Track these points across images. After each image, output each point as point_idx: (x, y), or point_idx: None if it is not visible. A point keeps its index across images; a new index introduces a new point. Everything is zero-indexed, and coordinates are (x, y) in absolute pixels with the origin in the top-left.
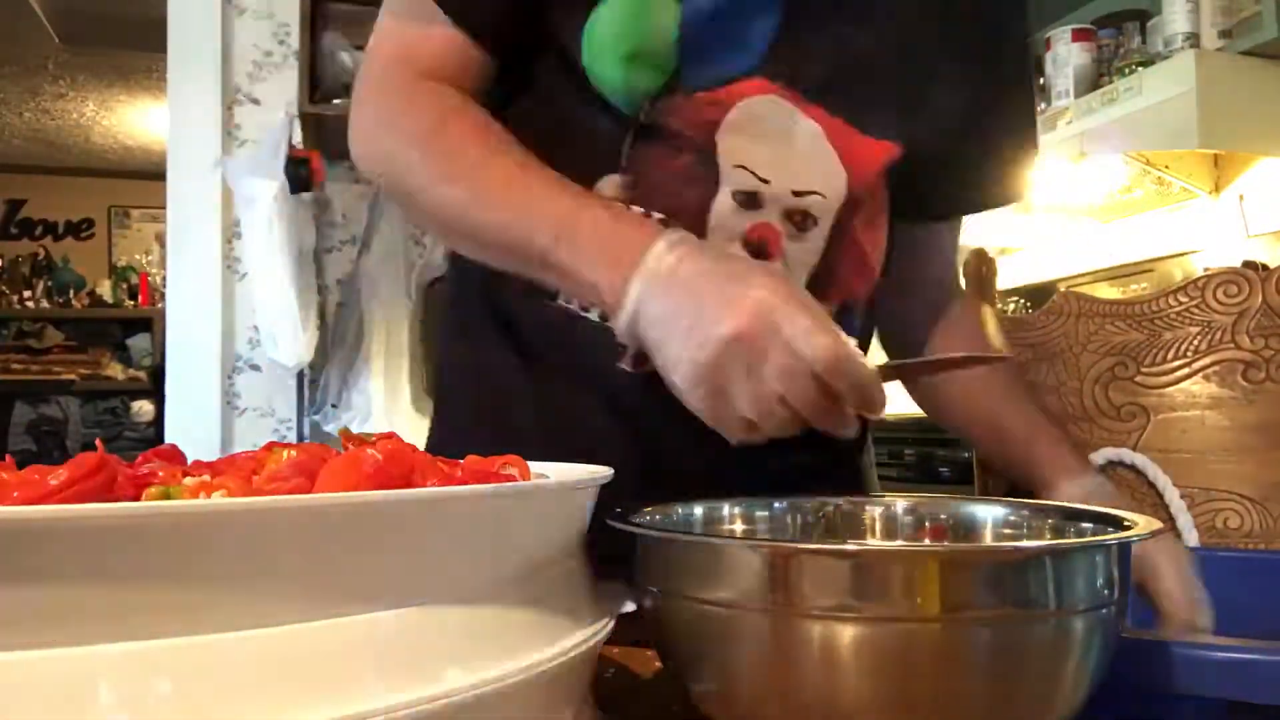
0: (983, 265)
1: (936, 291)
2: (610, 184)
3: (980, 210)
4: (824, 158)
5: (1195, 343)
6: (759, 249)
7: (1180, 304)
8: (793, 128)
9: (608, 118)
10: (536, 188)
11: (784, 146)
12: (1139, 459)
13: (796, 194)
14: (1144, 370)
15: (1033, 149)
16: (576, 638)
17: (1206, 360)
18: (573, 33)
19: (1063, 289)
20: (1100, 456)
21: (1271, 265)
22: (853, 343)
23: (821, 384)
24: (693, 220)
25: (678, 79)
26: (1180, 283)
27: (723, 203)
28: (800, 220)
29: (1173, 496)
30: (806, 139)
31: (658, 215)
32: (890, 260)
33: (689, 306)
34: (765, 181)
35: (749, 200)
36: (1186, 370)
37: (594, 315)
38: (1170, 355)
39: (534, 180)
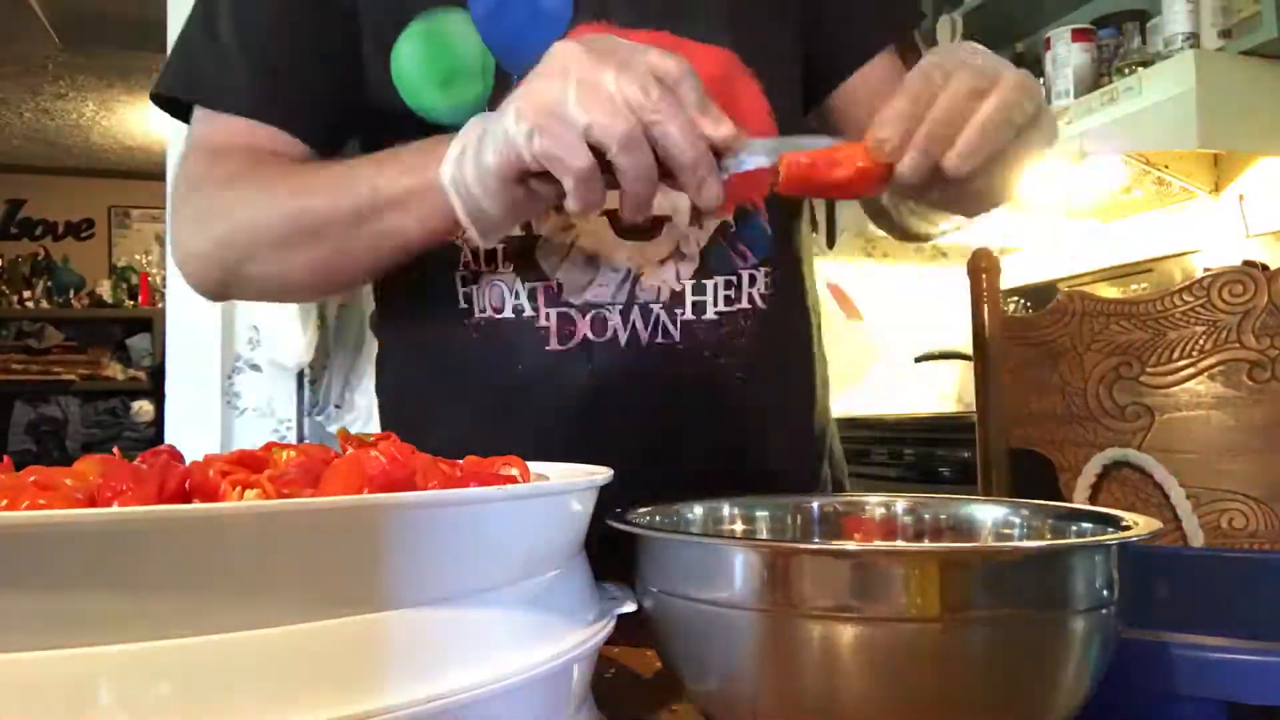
0: (985, 264)
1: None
2: None
3: (885, 37)
4: None
5: (1200, 342)
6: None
7: (1185, 303)
8: None
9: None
10: (350, 162)
11: None
12: (1144, 459)
13: None
14: (1149, 370)
15: None
16: (576, 638)
17: (1211, 360)
18: (385, 82)
19: (1063, 289)
20: (1106, 457)
21: (1272, 265)
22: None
23: (666, 91)
24: None
25: (505, 75)
26: (1185, 282)
27: None
28: None
29: (1178, 497)
30: None
31: None
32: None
33: (530, 78)
34: None
35: None
36: (1191, 370)
37: (509, 312)
38: (1175, 355)
39: (347, 160)
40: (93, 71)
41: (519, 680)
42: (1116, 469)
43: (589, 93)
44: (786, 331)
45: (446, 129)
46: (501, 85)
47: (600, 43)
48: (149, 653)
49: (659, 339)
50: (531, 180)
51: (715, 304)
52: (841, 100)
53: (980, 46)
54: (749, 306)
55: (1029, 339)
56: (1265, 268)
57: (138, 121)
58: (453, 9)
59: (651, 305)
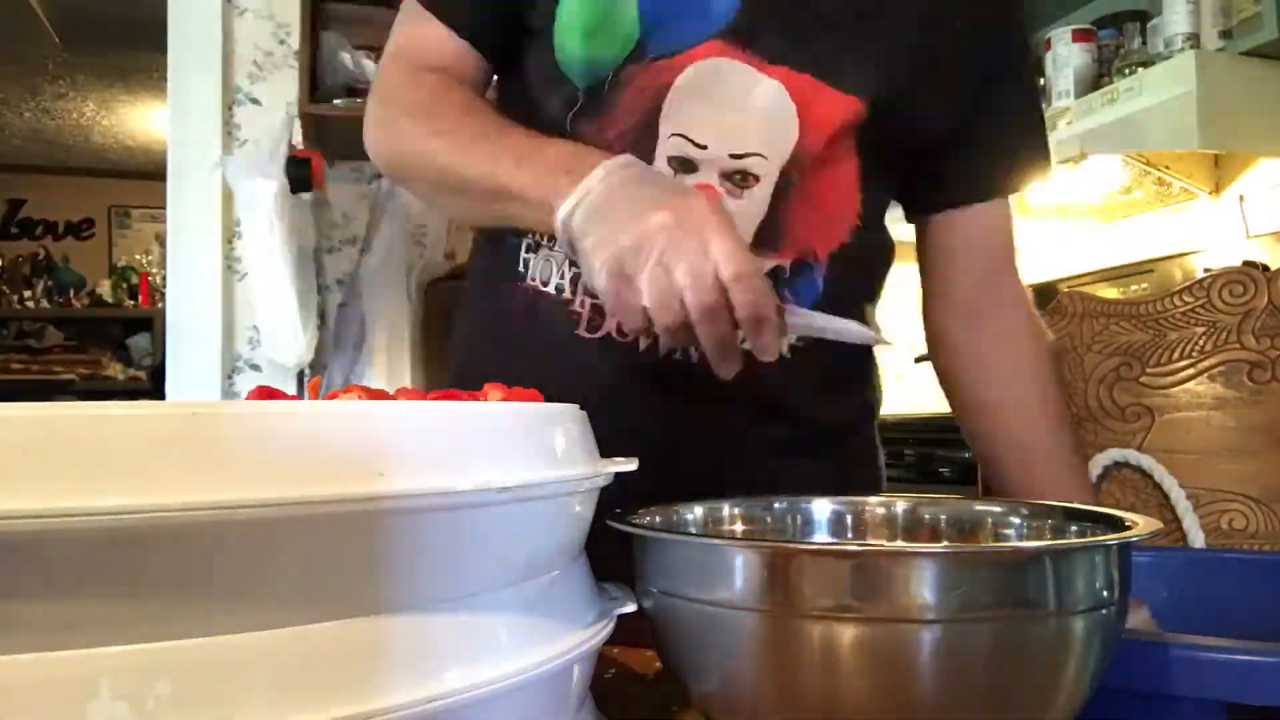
0: None
1: (963, 279)
2: None
3: (985, 196)
4: (779, 115)
5: (1200, 343)
6: None
7: (1185, 304)
8: (752, 88)
9: (559, 98)
10: (510, 134)
11: (734, 107)
12: (1144, 460)
13: (734, 156)
14: (1149, 370)
15: (1038, 142)
16: (576, 638)
17: (1212, 360)
18: (545, 17)
19: (1063, 289)
20: (1106, 458)
21: (1272, 265)
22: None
23: (723, 298)
24: None
25: (642, 49)
26: (1185, 283)
27: (659, 167)
28: (739, 179)
29: (1178, 497)
30: (766, 97)
31: None
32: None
33: (622, 203)
34: (701, 147)
35: (684, 165)
36: (1192, 370)
37: (551, 288)
38: (1175, 355)
39: (507, 130)
40: (93, 71)
41: (519, 681)
42: (1117, 469)
43: (656, 279)
44: (815, 389)
45: (565, 80)
46: (636, 56)
47: (692, 221)
48: (149, 654)
49: (677, 354)
50: None
51: (743, 340)
52: (943, 225)
53: None
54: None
55: None
56: (1265, 268)
57: (138, 121)
58: None
59: None
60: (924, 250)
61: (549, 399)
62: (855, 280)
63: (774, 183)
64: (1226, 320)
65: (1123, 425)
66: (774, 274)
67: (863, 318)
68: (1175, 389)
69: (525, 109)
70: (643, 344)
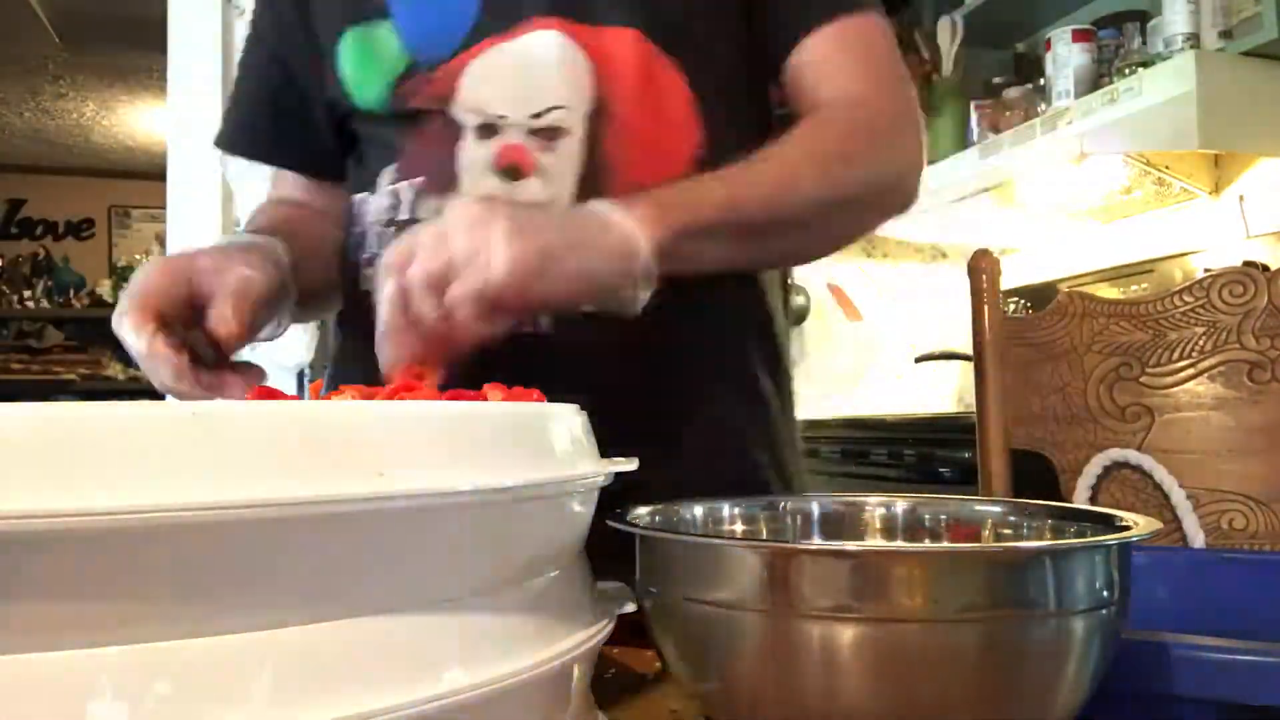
0: (985, 264)
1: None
2: (387, 174)
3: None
4: (569, 64)
5: (1200, 343)
6: (511, 170)
7: (1185, 304)
8: (530, 48)
9: (380, 127)
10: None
11: (523, 72)
12: (1144, 460)
13: (535, 116)
14: (1149, 371)
15: None
16: (576, 638)
17: (1212, 361)
18: (336, 94)
19: (1063, 289)
20: (1105, 458)
21: (1272, 266)
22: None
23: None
24: (445, 168)
25: (415, 67)
26: (1185, 283)
27: (467, 143)
28: (547, 134)
29: (1178, 498)
30: (547, 50)
31: (419, 179)
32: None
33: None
34: (501, 117)
35: (487, 131)
36: (1192, 371)
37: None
38: (1175, 355)
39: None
40: (93, 71)
41: (519, 681)
42: (1117, 470)
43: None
44: (674, 344)
45: (378, 116)
46: (410, 73)
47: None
48: (149, 654)
49: (525, 326)
50: None
51: None
52: (791, 77)
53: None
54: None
55: (1029, 339)
56: (1265, 268)
57: (138, 121)
58: (378, 20)
59: None
60: (794, 100)
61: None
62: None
63: (583, 129)
64: (1226, 320)
65: (1123, 425)
66: None
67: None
68: (1175, 389)
69: (359, 159)
70: None
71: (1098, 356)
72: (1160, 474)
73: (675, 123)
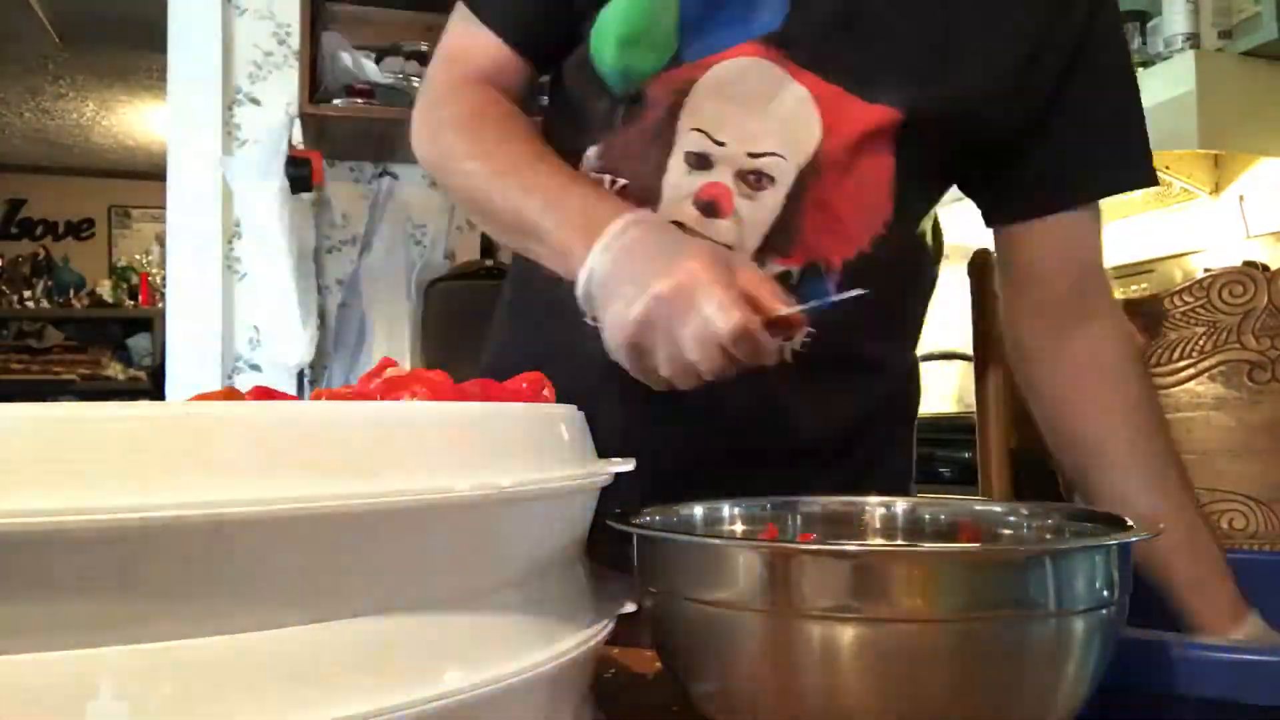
0: (985, 264)
1: (1048, 289)
2: (591, 154)
3: (1096, 194)
4: (802, 121)
5: (1201, 343)
6: (709, 207)
7: (1186, 304)
8: (778, 92)
9: (606, 99)
10: (540, 168)
11: (756, 110)
12: None
13: (752, 155)
14: (1149, 370)
15: (1139, 128)
16: (576, 638)
17: (1212, 360)
18: (588, 24)
19: None
20: None
21: (1272, 265)
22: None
23: (730, 357)
24: (649, 181)
25: (678, 58)
26: (1185, 282)
27: (675, 165)
28: (754, 180)
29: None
30: (791, 103)
31: (621, 181)
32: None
33: (629, 270)
34: (720, 144)
35: (700, 161)
36: (1192, 370)
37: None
38: (1176, 355)
39: (540, 163)
40: (93, 71)
41: (519, 681)
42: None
43: (673, 360)
44: (813, 398)
45: (607, 89)
46: (672, 64)
47: (688, 290)
48: (150, 654)
49: None
50: None
51: None
52: (1024, 234)
53: None
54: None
55: None
56: (1265, 268)
57: (138, 121)
58: None
59: None
60: (1004, 259)
61: (557, 384)
62: (874, 288)
63: (790, 185)
64: (1227, 320)
65: None
66: (782, 279)
67: (879, 329)
68: (1176, 389)
69: (569, 115)
70: None
71: None
72: None
73: (869, 196)
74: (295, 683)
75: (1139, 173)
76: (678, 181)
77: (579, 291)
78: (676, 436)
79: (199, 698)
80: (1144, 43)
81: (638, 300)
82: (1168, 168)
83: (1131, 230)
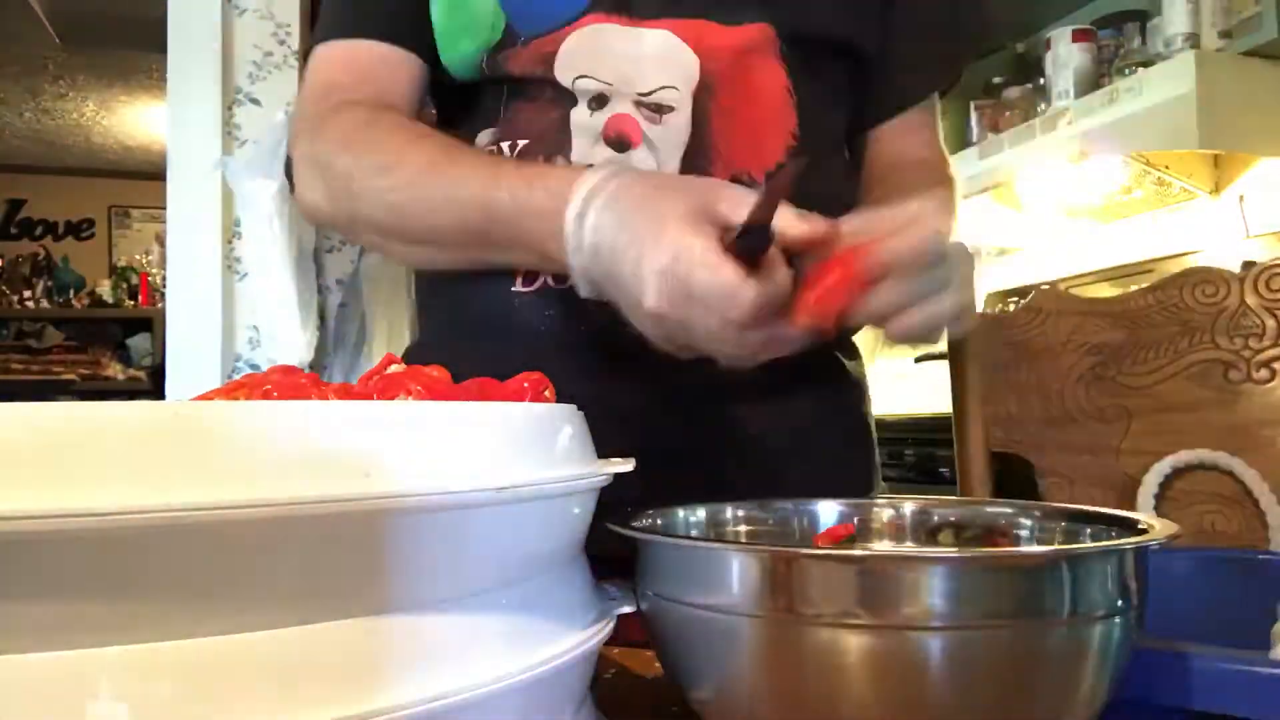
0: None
1: (897, 177)
2: (485, 136)
3: (909, 100)
4: (673, 54)
5: (1175, 343)
6: (619, 141)
7: (1158, 302)
8: (638, 40)
9: (482, 92)
10: (456, 168)
11: (627, 58)
12: (1220, 457)
13: (642, 94)
14: (1125, 370)
15: (949, 37)
16: (576, 638)
17: (1186, 360)
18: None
19: (1042, 287)
20: (1180, 460)
21: None
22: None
23: (746, 337)
24: (556, 138)
25: (512, 35)
26: (1158, 281)
27: (578, 113)
28: (654, 109)
29: (1262, 490)
30: (654, 45)
31: (522, 142)
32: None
33: (619, 244)
34: (608, 84)
35: (598, 101)
36: (1166, 371)
37: (520, 285)
38: (1150, 355)
39: (455, 157)
40: (93, 71)
41: (518, 681)
42: (1189, 471)
43: (702, 346)
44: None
45: (456, 81)
46: (507, 42)
47: (677, 270)
48: (149, 654)
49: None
50: None
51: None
52: (874, 139)
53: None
54: None
55: (1007, 338)
56: None
57: (138, 121)
58: None
59: None
60: (860, 166)
61: (488, 358)
62: (800, 204)
63: (689, 108)
64: (1199, 320)
65: (1101, 427)
66: None
67: None
68: (1152, 389)
69: (453, 115)
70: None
71: (1074, 355)
72: (1241, 469)
73: (769, 104)
74: (295, 683)
75: (950, 67)
76: (583, 121)
77: (575, 279)
78: (617, 387)
79: (199, 698)
80: (1144, 43)
81: (645, 287)
82: (1168, 167)
83: (1131, 230)
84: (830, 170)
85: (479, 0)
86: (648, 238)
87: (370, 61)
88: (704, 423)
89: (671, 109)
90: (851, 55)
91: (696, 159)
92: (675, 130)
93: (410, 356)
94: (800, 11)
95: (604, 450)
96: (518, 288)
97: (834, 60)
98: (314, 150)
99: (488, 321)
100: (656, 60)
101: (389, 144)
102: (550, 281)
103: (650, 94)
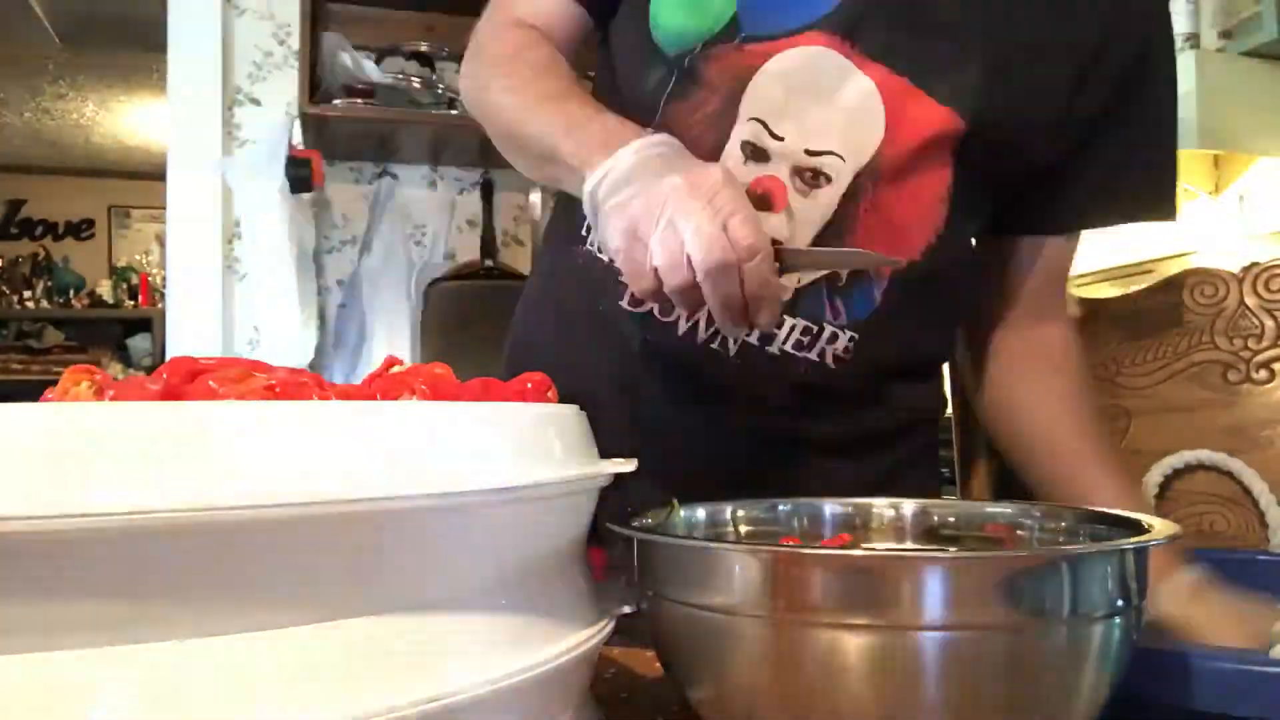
0: None
1: (1018, 292)
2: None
3: (1118, 222)
4: (866, 115)
5: (1175, 343)
6: (762, 200)
7: (1158, 303)
8: (841, 84)
9: (655, 73)
10: (568, 99)
11: (821, 101)
12: (1220, 458)
13: (810, 153)
14: (1124, 371)
15: (1169, 165)
16: (576, 638)
17: (1186, 361)
18: None
19: None
20: (1180, 460)
21: None
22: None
23: (730, 259)
24: (704, 157)
25: (735, 27)
26: (1158, 282)
27: (731, 153)
28: (810, 178)
29: (1262, 490)
30: (855, 96)
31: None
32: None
33: (644, 176)
34: (778, 138)
35: (756, 153)
36: (1167, 371)
37: (607, 256)
38: (1149, 356)
39: (568, 95)
40: (93, 71)
41: (519, 681)
42: (1190, 471)
43: (666, 241)
44: (859, 389)
45: (657, 52)
46: (727, 34)
47: (703, 188)
48: (149, 655)
49: (714, 345)
50: None
51: (784, 342)
52: (1013, 245)
53: None
54: (817, 360)
55: None
56: None
57: (138, 121)
58: None
59: None
60: (986, 260)
61: (584, 365)
62: (921, 300)
63: (846, 186)
64: (1199, 320)
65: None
66: (829, 283)
67: (923, 338)
68: (1151, 389)
69: (617, 86)
70: (679, 324)
71: None
72: (1240, 469)
73: (923, 204)
74: (295, 683)
75: (1161, 207)
76: (733, 170)
77: (586, 190)
78: (706, 418)
79: (199, 698)
80: None
81: (649, 189)
82: None
83: (1131, 230)
84: (951, 271)
85: None
86: (680, 168)
87: (546, 6)
88: (783, 466)
89: (828, 180)
90: (1028, 163)
91: (829, 240)
92: (821, 207)
93: (512, 358)
94: (1002, 107)
95: (683, 479)
96: (624, 303)
97: (1005, 163)
98: (470, 67)
99: (592, 319)
100: (845, 118)
101: (524, 73)
102: (656, 312)
103: (816, 155)
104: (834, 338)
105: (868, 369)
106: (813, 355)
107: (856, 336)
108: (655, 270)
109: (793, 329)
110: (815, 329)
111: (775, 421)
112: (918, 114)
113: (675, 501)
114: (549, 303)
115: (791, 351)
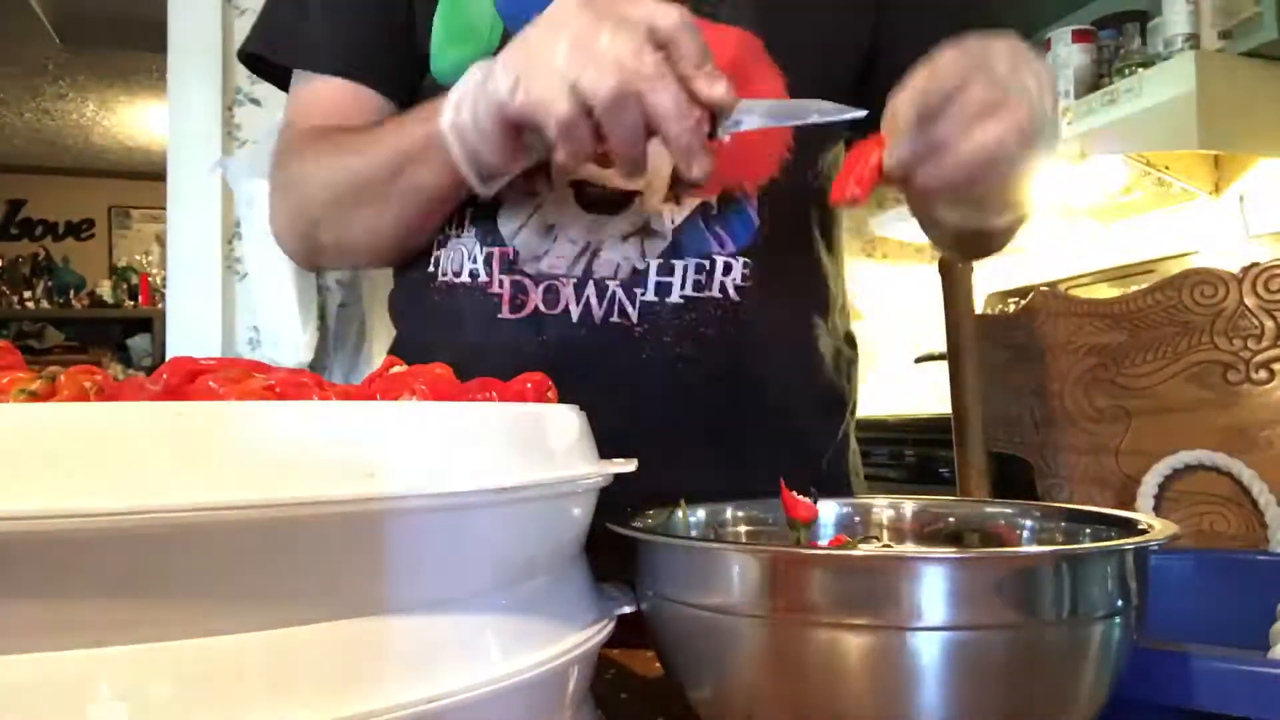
0: (953, 263)
1: None
2: None
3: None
4: None
5: (1174, 343)
6: (608, 160)
7: (1157, 303)
8: None
9: None
10: (381, 124)
11: None
12: (1219, 458)
13: None
14: (1124, 371)
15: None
16: (576, 638)
17: (1186, 361)
18: (426, 43)
19: (1041, 289)
20: (1179, 460)
21: None
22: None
23: (662, 57)
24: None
25: (508, 36)
26: (1157, 282)
27: None
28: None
29: (1261, 491)
30: None
31: None
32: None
33: (514, 43)
34: None
35: None
36: (1167, 371)
37: (465, 276)
38: (1150, 356)
39: (381, 123)
40: (93, 71)
41: (518, 682)
42: (1190, 472)
43: (579, 48)
44: (770, 329)
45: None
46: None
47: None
48: (149, 654)
49: (614, 318)
50: (525, 130)
51: (682, 288)
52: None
53: (1013, 42)
54: (719, 296)
55: (1007, 340)
56: None
57: (138, 121)
58: None
59: (607, 282)
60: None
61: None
62: (795, 218)
63: None
64: (1198, 321)
65: (1100, 428)
66: (703, 213)
67: (811, 258)
68: (1151, 390)
69: None
70: (570, 311)
71: (1073, 357)
72: (1240, 469)
73: (769, 131)
74: (295, 683)
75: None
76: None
77: (450, 102)
78: (632, 398)
79: (199, 698)
80: (1144, 43)
81: (551, 19)
82: (1168, 168)
83: (1131, 230)
84: (809, 190)
85: (477, 5)
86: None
87: (341, 102)
88: (726, 417)
89: None
90: (847, 54)
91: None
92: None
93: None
94: (781, 19)
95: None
96: (504, 315)
97: (830, 60)
98: (279, 179)
99: (473, 348)
100: None
101: (338, 137)
102: (542, 307)
103: None
104: (727, 268)
105: (770, 295)
106: (714, 292)
107: (750, 261)
108: (574, 92)
109: (685, 270)
110: (707, 264)
111: (685, 389)
112: (712, 39)
113: (682, 501)
114: (417, 353)
115: (692, 294)
